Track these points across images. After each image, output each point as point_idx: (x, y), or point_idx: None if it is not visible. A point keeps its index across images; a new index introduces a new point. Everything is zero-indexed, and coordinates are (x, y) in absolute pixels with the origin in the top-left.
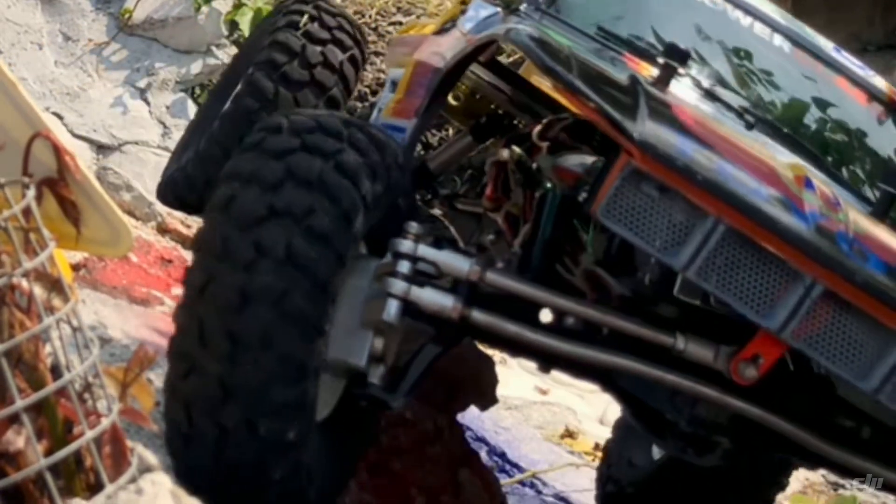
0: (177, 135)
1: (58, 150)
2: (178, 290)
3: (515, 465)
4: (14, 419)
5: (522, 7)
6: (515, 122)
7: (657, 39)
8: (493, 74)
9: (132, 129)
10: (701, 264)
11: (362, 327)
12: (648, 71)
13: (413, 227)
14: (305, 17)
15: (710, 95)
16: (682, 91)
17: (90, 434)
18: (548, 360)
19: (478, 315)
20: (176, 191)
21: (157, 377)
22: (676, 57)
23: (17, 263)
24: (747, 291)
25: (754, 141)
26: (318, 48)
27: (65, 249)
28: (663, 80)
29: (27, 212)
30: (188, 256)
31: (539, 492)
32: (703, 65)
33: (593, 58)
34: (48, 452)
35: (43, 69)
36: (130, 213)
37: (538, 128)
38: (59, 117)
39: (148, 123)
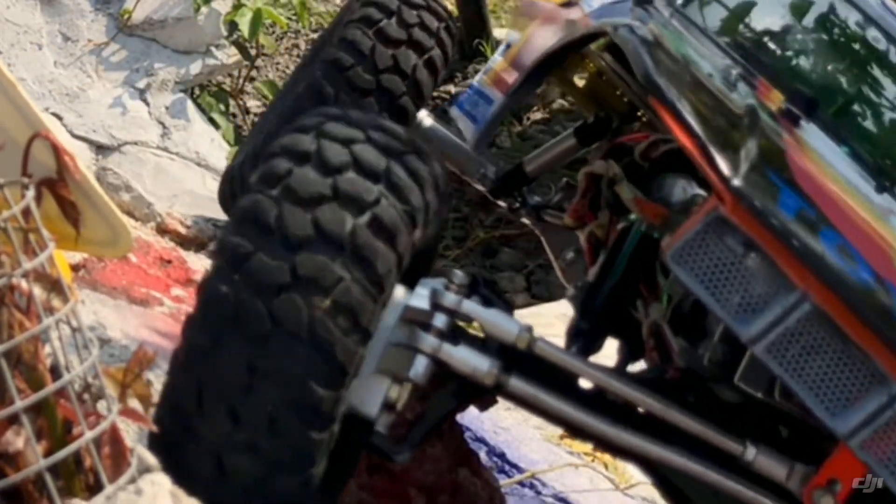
0: (176, 135)
1: (57, 151)
2: (178, 291)
3: (515, 466)
4: (13, 420)
5: (658, 4)
6: (640, 117)
7: (796, 71)
8: (619, 64)
9: (131, 130)
10: (774, 341)
11: (379, 373)
12: (780, 103)
13: (458, 276)
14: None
15: (844, 143)
16: (811, 134)
17: (90, 434)
18: (586, 437)
19: (515, 383)
20: (230, 189)
21: (156, 378)
22: (802, 106)
23: (17, 264)
24: (821, 384)
25: (879, 209)
26: (390, 51)
27: (64, 250)
28: (787, 126)
29: (26, 212)
30: (187, 257)
31: (538, 492)
32: (846, 107)
33: (715, 76)
34: (48, 453)
35: (42, 69)
36: (130, 214)
37: (642, 145)
38: (59, 118)
39: (147, 124)
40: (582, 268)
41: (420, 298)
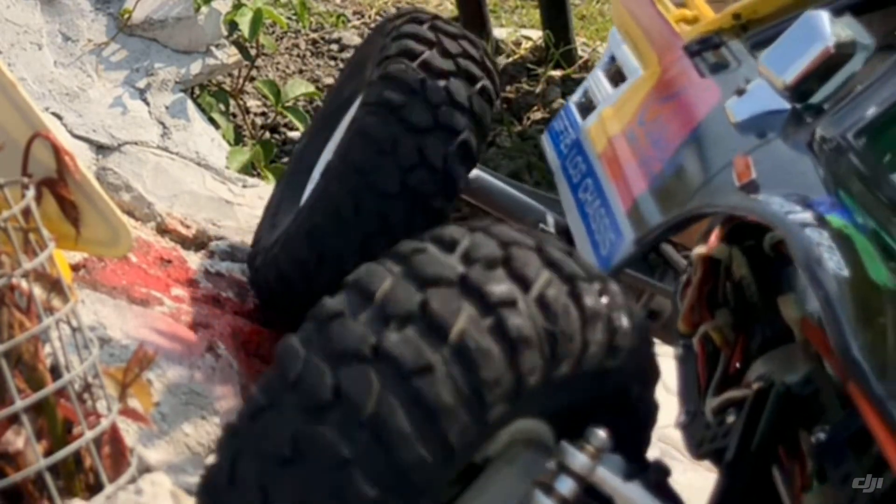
0: (176, 135)
1: (57, 151)
2: (178, 291)
3: None
4: (14, 419)
5: (825, 133)
6: None
7: None
8: None
9: (131, 130)
10: None
11: None
12: None
13: (598, 438)
14: (422, 43)
15: None
16: None
17: (90, 434)
18: None
19: None
20: (279, 274)
21: (156, 377)
22: None
23: (17, 264)
24: None
25: None
26: (441, 83)
27: (64, 250)
28: None
29: (27, 212)
30: (188, 257)
31: None
32: None
33: None
34: (48, 453)
35: (42, 69)
36: (130, 214)
37: (776, 235)
38: (59, 117)
39: (147, 124)
40: (692, 374)
41: (552, 461)
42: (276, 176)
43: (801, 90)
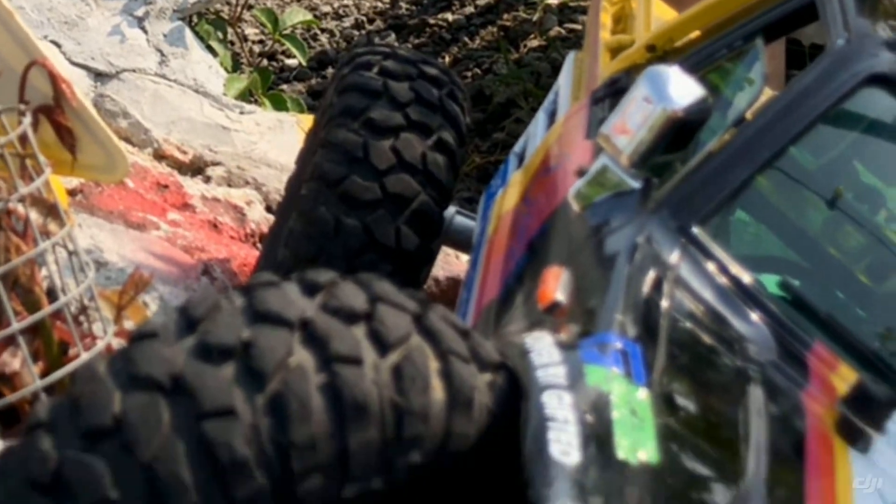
0: (174, 63)
1: (54, 78)
2: (175, 215)
3: None
4: (10, 341)
5: (654, 231)
6: None
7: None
8: None
9: (129, 57)
10: None
11: None
12: (845, 381)
13: None
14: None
15: None
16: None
17: (85, 356)
18: None
19: None
20: None
21: (151, 300)
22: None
23: (14, 189)
24: None
25: None
26: (387, 143)
27: (61, 175)
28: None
29: (23, 138)
30: (184, 182)
31: None
32: None
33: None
34: (44, 374)
35: None
36: (127, 140)
37: None
38: (57, 45)
39: (145, 51)
40: None
41: None
42: (273, 103)
43: (646, 165)
